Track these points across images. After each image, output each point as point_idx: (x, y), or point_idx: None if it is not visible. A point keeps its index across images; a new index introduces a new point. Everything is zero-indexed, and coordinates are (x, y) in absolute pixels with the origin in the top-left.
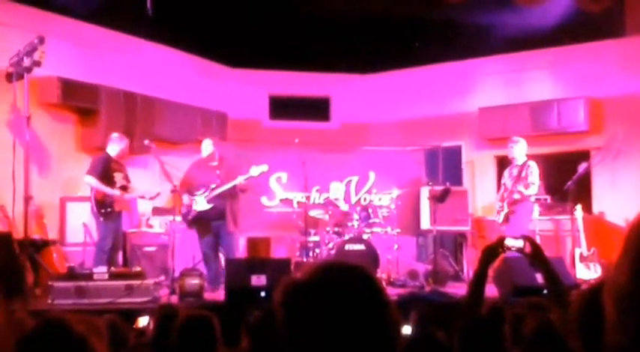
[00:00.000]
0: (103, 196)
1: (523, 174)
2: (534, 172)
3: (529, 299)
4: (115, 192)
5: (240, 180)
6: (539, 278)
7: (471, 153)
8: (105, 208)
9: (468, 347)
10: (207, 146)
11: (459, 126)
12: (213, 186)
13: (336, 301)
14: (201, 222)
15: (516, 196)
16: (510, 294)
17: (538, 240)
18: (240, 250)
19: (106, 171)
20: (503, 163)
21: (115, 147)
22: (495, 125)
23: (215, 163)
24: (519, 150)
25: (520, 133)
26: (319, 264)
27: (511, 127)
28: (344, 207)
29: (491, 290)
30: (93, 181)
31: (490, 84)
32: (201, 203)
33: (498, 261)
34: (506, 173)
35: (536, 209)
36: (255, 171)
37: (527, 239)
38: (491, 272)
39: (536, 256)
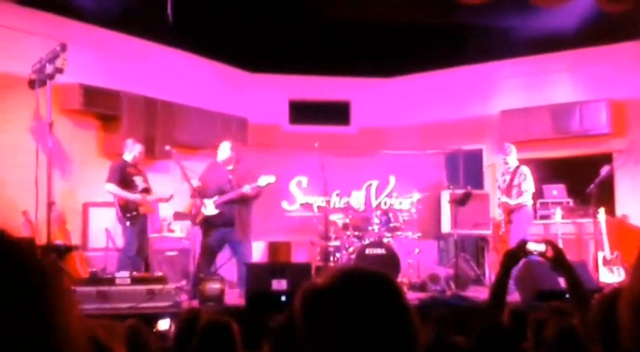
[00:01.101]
0: (125, 201)
1: (515, 182)
2: (528, 179)
3: (551, 304)
4: (136, 196)
5: (246, 188)
6: (562, 282)
7: (493, 157)
8: (130, 212)
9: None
10: (225, 149)
11: (479, 130)
12: (224, 190)
13: (355, 306)
14: (207, 226)
15: (509, 201)
16: (533, 298)
17: (560, 243)
18: (260, 255)
19: (124, 176)
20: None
21: (129, 152)
22: (516, 128)
23: (231, 167)
24: (512, 157)
25: (541, 136)
26: (339, 269)
27: (532, 130)
28: (362, 210)
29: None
30: (113, 188)
31: (511, 87)
32: (209, 208)
33: (521, 264)
34: (499, 177)
35: (532, 213)
36: (263, 181)
37: (549, 243)
38: (513, 277)
39: (558, 260)
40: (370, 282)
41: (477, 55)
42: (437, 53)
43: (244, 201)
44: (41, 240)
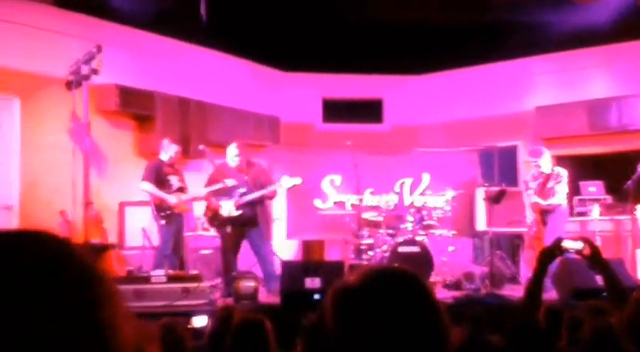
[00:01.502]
0: (160, 200)
1: (550, 185)
2: (564, 181)
3: (588, 302)
4: (171, 197)
5: (270, 189)
6: (599, 280)
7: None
8: (164, 211)
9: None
10: (231, 152)
11: (514, 126)
12: (242, 191)
13: (385, 306)
14: (225, 227)
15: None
16: (569, 297)
17: (598, 240)
18: (294, 253)
19: (159, 175)
20: (560, 163)
21: (165, 152)
22: (552, 124)
23: (236, 165)
24: (545, 161)
25: (577, 132)
26: (369, 268)
27: (568, 126)
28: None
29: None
30: (148, 187)
31: (546, 82)
32: (228, 208)
33: (557, 262)
34: (529, 179)
35: (563, 212)
36: (287, 182)
37: (586, 240)
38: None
39: (594, 258)
40: (400, 282)
41: (511, 51)
42: (470, 49)
43: (263, 200)
44: (78, 239)
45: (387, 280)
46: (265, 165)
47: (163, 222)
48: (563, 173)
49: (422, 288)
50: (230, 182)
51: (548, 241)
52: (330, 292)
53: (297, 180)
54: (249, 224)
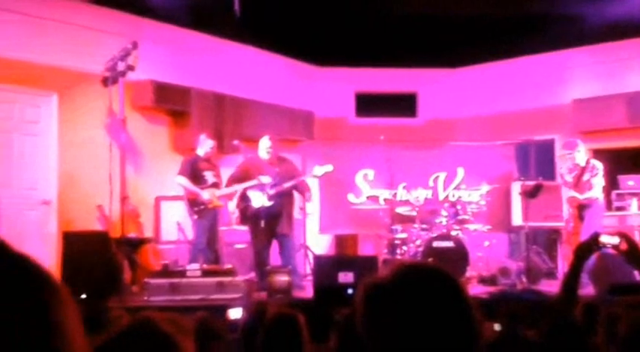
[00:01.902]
0: (194, 195)
1: (586, 178)
2: (600, 173)
3: (626, 298)
4: (204, 193)
5: (300, 179)
6: (637, 275)
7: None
8: (197, 206)
9: (555, 347)
10: (264, 144)
11: (551, 119)
12: (266, 179)
13: (416, 302)
14: (256, 221)
15: (578, 196)
16: (607, 292)
17: (636, 235)
18: (327, 247)
19: (195, 170)
20: (598, 157)
21: (201, 147)
22: (590, 117)
23: (268, 159)
24: (580, 153)
25: (616, 125)
26: (401, 264)
27: (606, 119)
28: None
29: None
30: (183, 181)
31: (584, 75)
32: (259, 199)
33: (595, 258)
34: (565, 172)
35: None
36: (319, 171)
37: (623, 235)
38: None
39: (632, 253)
40: (432, 278)
41: (548, 43)
42: (506, 42)
43: (290, 196)
44: (116, 233)
45: (418, 276)
46: (295, 161)
47: (196, 216)
48: (599, 165)
49: (453, 285)
50: (265, 179)
51: (584, 236)
52: (361, 287)
53: (329, 168)
54: (277, 217)
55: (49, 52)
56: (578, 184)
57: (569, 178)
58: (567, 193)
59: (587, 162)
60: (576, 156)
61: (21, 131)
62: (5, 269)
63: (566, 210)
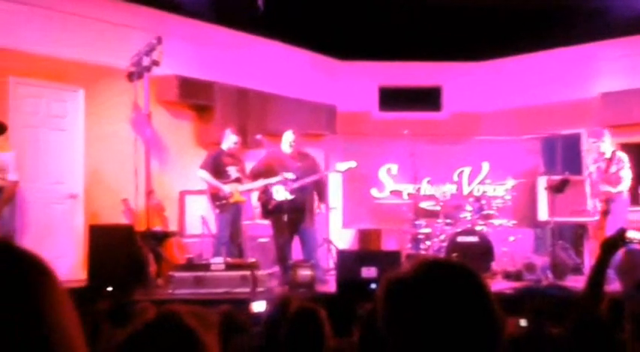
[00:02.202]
0: (215, 189)
1: (613, 170)
2: (626, 166)
3: None
4: (225, 187)
5: (321, 174)
6: None
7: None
8: (219, 200)
9: (581, 343)
10: (287, 138)
11: (578, 113)
12: (292, 177)
13: (436, 298)
14: (278, 215)
15: (611, 190)
16: (633, 288)
17: None
18: (351, 242)
19: (218, 165)
20: (626, 151)
21: (226, 142)
22: (618, 111)
23: (290, 153)
24: (607, 144)
25: None
26: (422, 259)
27: (634, 113)
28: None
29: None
30: (205, 175)
31: (611, 68)
32: (282, 193)
33: (621, 253)
34: (590, 164)
35: None
36: (342, 166)
37: None
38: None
39: None
40: (453, 274)
41: (575, 36)
42: (532, 35)
43: (311, 190)
44: (141, 227)
45: (440, 272)
46: (318, 156)
47: (218, 210)
48: (625, 157)
49: (475, 281)
50: (289, 175)
51: (610, 231)
52: (382, 282)
53: (352, 164)
54: (298, 211)
55: (75, 47)
56: (605, 177)
57: (593, 169)
58: (597, 186)
59: (613, 154)
60: (601, 145)
61: (48, 126)
62: None
63: (590, 204)
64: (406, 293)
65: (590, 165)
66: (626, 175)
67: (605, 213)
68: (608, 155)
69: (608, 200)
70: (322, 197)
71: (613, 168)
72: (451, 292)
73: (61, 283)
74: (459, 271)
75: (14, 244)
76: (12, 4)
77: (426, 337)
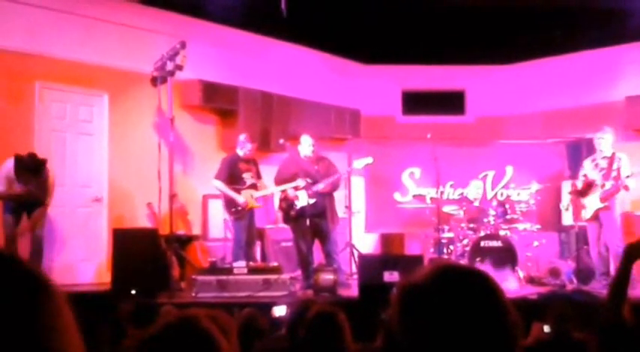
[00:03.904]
0: (230, 197)
1: (615, 167)
2: (627, 164)
3: None
4: (239, 197)
5: (336, 176)
6: None
7: (617, 145)
8: (234, 207)
9: (606, 349)
10: (307, 141)
11: (603, 117)
12: (310, 181)
13: (449, 304)
14: (300, 220)
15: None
16: None
17: None
18: (373, 246)
19: (234, 171)
20: None
21: (240, 149)
22: None
23: (310, 157)
24: (607, 142)
25: None
26: (437, 265)
27: None
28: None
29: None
30: (219, 185)
31: (637, 71)
32: (303, 198)
33: None
34: (588, 164)
35: None
36: (359, 163)
37: None
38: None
39: None
40: (467, 280)
41: (600, 39)
42: (557, 38)
43: (331, 192)
44: (165, 230)
45: (454, 278)
46: (340, 160)
47: (232, 217)
48: (624, 157)
49: (490, 287)
50: (301, 183)
51: (611, 236)
52: (396, 288)
53: (368, 160)
54: (320, 215)
55: (99, 52)
56: (608, 176)
57: (589, 168)
58: (606, 187)
59: (613, 154)
60: (603, 143)
61: (73, 130)
62: None
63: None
64: (420, 298)
65: (586, 165)
66: (629, 173)
67: (607, 209)
68: (608, 153)
69: (606, 198)
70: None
71: (615, 166)
72: (465, 298)
73: (62, 297)
74: (474, 277)
75: (16, 258)
76: (37, 9)
77: (440, 343)
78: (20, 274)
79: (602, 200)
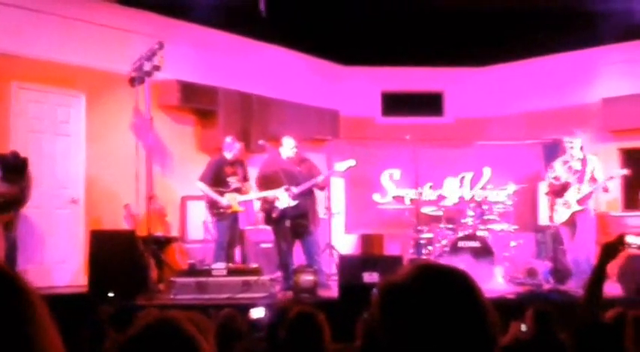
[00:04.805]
0: (213, 199)
1: (589, 169)
2: (600, 167)
3: None
4: (223, 200)
5: (319, 178)
6: None
7: (594, 146)
8: (217, 209)
9: (583, 350)
10: (289, 144)
11: (580, 118)
12: (295, 190)
13: (429, 303)
14: (281, 221)
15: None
16: (635, 294)
17: None
18: (353, 247)
19: (219, 175)
20: (629, 156)
21: (229, 151)
22: (620, 116)
23: (292, 158)
24: (578, 146)
25: None
26: (416, 265)
27: (636, 118)
28: (455, 201)
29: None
30: (202, 187)
31: (613, 73)
32: (285, 200)
33: (622, 258)
34: (559, 167)
35: None
36: (341, 166)
37: None
38: (615, 271)
39: None
40: (446, 279)
41: (576, 41)
42: (534, 40)
43: (312, 193)
44: (143, 232)
45: (433, 277)
46: (320, 161)
47: (214, 218)
48: (596, 159)
49: (468, 286)
50: (293, 189)
51: (586, 236)
52: (377, 288)
53: (351, 162)
54: (301, 216)
55: (76, 52)
56: (582, 179)
57: (560, 170)
58: (581, 190)
59: (584, 157)
60: (573, 146)
61: (50, 131)
62: None
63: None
64: (400, 298)
65: (558, 168)
66: (600, 177)
67: (583, 211)
68: (580, 156)
69: (583, 200)
70: (324, 189)
71: (589, 167)
72: (444, 297)
73: (39, 301)
74: (453, 276)
75: None
76: (14, 9)
77: (420, 342)
78: (3, 280)
79: (580, 203)
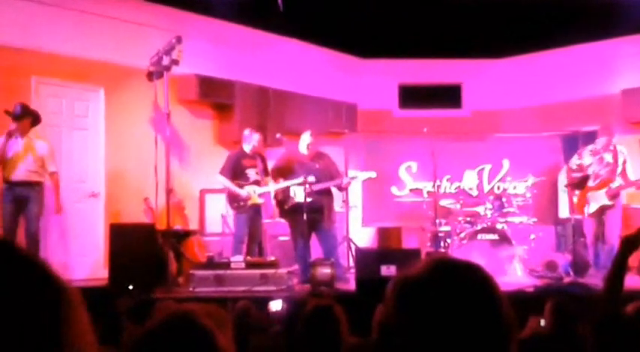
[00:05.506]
0: (233, 192)
1: (621, 161)
2: (628, 159)
3: None
4: (242, 192)
5: (337, 182)
6: None
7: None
8: (237, 202)
9: (604, 344)
10: (306, 139)
11: (599, 110)
12: (311, 179)
13: (444, 298)
14: (297, 214)
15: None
16: None
17: None
18: (371, 240)
19: (238, 167)
20: None
21: (248, 143)
22: (639, 107)
23: (308, 154)
24: (602, 139)
25: None
26: (430, 259)
27: None
28: (475, 194)
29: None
30: (223, 180)
31: (633, 64)
32: (300, 195)
33: None
34: (588, 156)
35: None
36: (362, 176)
37: None
38: (635, 263)
39: None
40: (461, 273)
41: (595, 32)
42: (553, 31)
43: (330, 191)
44: (162, 225)
45: (448, 271)
46: (338, 154)
47: (234, 212)
48: (624, 149)
49: (484, 280)
50: (311, 178)
51: (613, 231)
52: (391, 282)
53: (372, 174)
54: (317, 211)
55: (95, 47)
56: (616, 168)
57: (589, 161)
58: (613, 185)
59: (615, 148)
60: (606, 140)
61: (70, 125)
62: (17, 272)
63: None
64: (415, 292)
65: (585, 157)
66: (631, 173)
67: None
68: (601, 147)
69: (615, 195)
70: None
71: (620, 161)
72: (459, 291)
73: (79, 301)
74: (468, 270)
75: (36, 261)
76: (33, 4)
77: (435, 336)
78: (41, 280)
79: (611, 197)
